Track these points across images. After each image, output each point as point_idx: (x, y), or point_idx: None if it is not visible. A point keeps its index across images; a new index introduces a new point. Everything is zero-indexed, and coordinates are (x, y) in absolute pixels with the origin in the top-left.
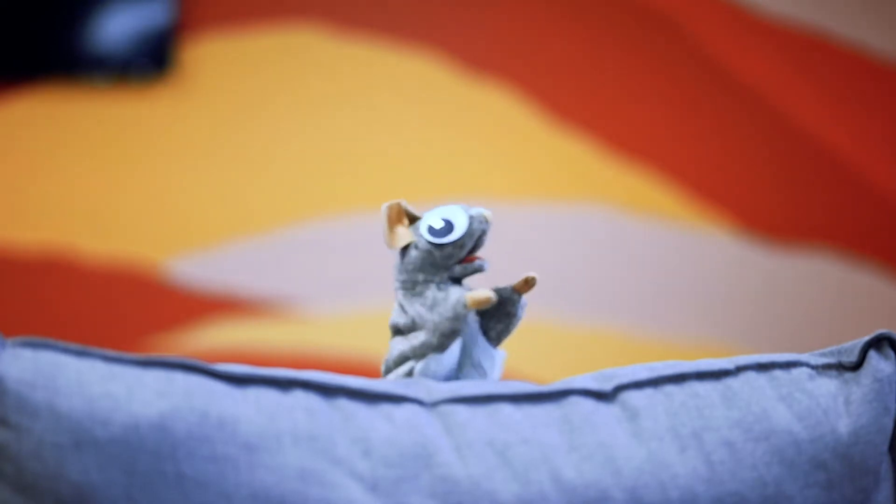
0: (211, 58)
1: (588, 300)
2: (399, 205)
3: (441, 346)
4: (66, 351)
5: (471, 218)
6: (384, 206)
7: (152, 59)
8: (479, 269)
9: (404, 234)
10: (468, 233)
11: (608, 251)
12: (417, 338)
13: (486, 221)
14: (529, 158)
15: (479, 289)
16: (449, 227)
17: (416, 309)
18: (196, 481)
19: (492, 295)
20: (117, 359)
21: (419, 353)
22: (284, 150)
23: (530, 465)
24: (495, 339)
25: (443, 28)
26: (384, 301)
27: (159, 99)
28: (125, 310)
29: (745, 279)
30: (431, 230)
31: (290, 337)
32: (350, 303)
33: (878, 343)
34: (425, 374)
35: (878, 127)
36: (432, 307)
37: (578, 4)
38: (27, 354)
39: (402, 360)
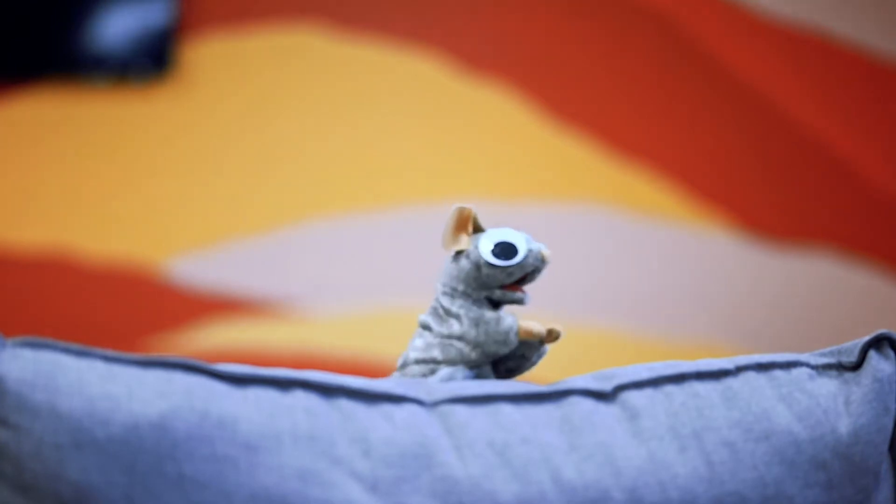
0: (211, 58)
1: (588, 300)
2: (471, 211)
3: (476, 363)
4: (66, 351)
5: (529, 251)
6: (456, 208)
7: (152, 59)
8: (519, 302)
9: (463, 241)
10: (521, 264)
11: (608, 251)
12: (455, 345)
13: (544, 261)
14: (529, 158)
15: (531, 321)
16: (507, 251)
17: (461, 319)
18: (196, 481)
19: (542, 331)
20: (117, 359)
21: (451, 361)
22: (284, 150)
23: (530, 465)
24: (503, 374)
25: (443, 28)
26: (384, 301)
27: (159, 99)
28: (125, 310)
29: (745, 279)
30: (492, 249)
31: (290, 337)
32: (350, 303)
33: (878, 343)
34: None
35: (878, 127)
36: (477, 323)
37: (578, 4)
38: (27, 354)
39: (429, 360)
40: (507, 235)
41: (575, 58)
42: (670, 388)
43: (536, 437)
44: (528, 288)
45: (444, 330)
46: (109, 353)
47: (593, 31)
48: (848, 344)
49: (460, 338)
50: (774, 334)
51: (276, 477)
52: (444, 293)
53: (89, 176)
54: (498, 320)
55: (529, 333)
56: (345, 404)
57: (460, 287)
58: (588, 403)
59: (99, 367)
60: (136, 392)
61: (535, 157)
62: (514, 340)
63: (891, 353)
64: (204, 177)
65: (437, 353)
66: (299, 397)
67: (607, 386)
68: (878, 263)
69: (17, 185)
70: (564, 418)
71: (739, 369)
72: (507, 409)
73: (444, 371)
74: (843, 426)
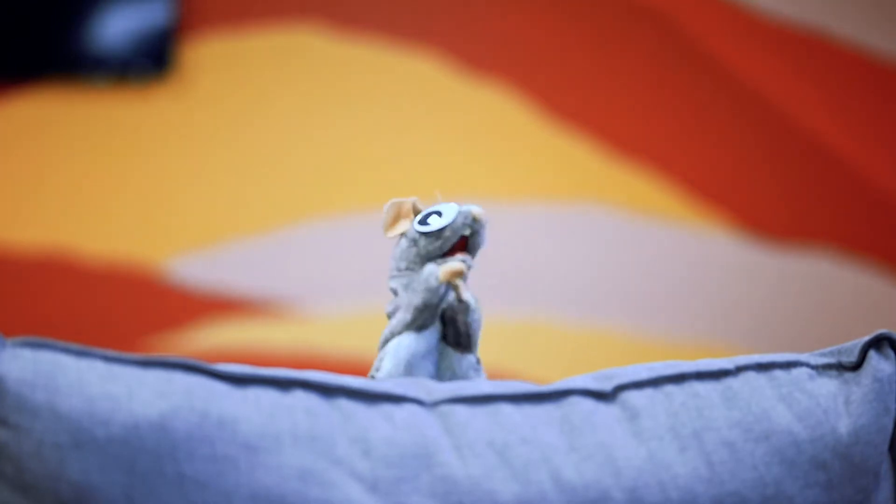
0: (211, 58)
1: (588, 300)
2: (410, 202)
3: (415, 322)
4: (66, 351)
5: (458, 213)
6: (392, 201)
7: (152, 59)
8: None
9: (400, 225)
10: (451, 226)
11: (608, 251)
12: (396, 317)
13: (476, 220)
14: (529, 158)
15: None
16: (436, 218)
17: (398, 292)
18: (196, 481)
19: (463, 267)
20: (117, 359)
21: (398, 332)
22: (284, 150)
23: (530, 465)
24: (454, 345)
25: (443, 28)
26: (384, 301)
27: (159, 99)
28: (125, 310)
29: (745, 279)
30: (420, 220)
31: (290, 337)
32: (350, 303)
33: (878, 343)
34: (398, 351)
35: (878, 127)
36: (407, 286)
37: (578, 4)
38: (27, 354)
39: (384, 341)
40: (438, 207)
41: (575, 58)
42: (670, 388)
43: (536, 437)
44: (529, 287)
45: (391, 308)
46: (109, 353)
47: (593, 31)
48: (848, 344)
49: (400, 308)
50: (774, 334)
51: (276, 477)
52: (391, 276)
53: (89, 176)
54: (419, 274)
55: (450, 273)
56: (345, 404)
57: (403, 265)
58: (588, 403)
59: (99, 367)
60: (136, 392)
61: (535, 157)
62: (434, 284)
63: (891, 353)
64: (204, 177)
65: (387, 333)
66: (299, 397)
67: (607, 386)
68: (878, 263)
69: (17, 185)
70: (564, 418)
71: (739, 369)
72: (507, 409)
73: (390, 343)
74: (843, 426)
